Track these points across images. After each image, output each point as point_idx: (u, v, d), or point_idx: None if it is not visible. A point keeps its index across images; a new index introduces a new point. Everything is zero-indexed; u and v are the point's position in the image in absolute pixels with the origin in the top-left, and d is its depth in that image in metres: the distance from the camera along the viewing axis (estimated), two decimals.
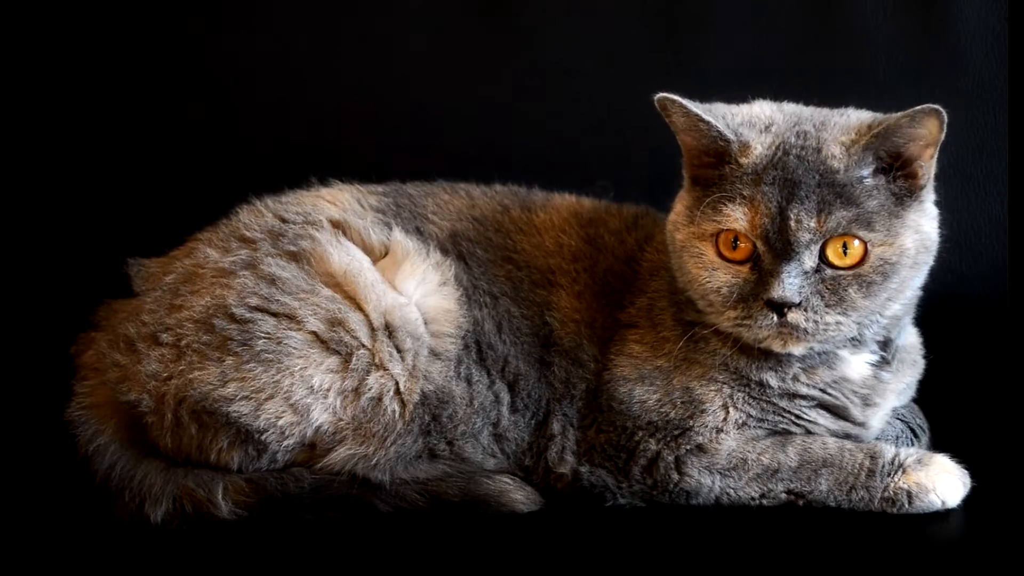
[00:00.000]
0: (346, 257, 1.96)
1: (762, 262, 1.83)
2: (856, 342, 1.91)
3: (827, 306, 1.82)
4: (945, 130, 1.82)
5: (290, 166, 2.38)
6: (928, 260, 1.89)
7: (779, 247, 1.81)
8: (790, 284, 1.80)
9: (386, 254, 2.02)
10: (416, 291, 1.99)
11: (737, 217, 1.83)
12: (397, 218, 2.08)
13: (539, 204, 2.14)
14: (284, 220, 2.03)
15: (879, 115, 1.89)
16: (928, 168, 1.85)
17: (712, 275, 1.86)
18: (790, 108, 1.95)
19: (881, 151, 1.83)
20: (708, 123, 1.85)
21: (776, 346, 1.86)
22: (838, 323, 1.83)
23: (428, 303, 1.99)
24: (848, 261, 1.81)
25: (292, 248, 1.97)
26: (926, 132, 1.81)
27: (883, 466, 1.89)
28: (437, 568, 1.81)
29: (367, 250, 2.01)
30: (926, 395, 2.12)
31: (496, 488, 1.95)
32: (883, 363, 1.96)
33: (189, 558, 1.83)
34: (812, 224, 1.79)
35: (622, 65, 2.73)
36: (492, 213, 2.11)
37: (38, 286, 2.72)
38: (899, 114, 1.81)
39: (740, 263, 1.85)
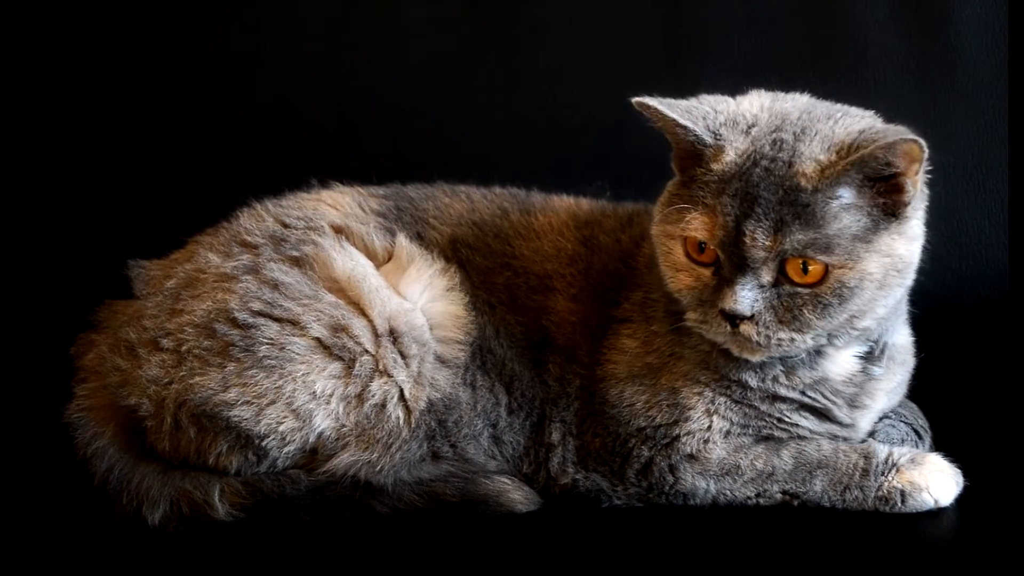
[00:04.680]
0: (350, 262, 1.96)
1: (723, 270, 1.81)
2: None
3: (780, 322, 1.79)
4: (927, 152, 1.75)
5: (289, 166, 2.38)
6: (902, 281, 1.84)
7: (735, 260, 1.79)
8: (743, 297, 1.78)
9: (389, 259, 2.02)
10: (422, 296, 1.99)
11: (697, 226, 1.81)
12: (398, 222, 2.08)
13: (538, 207, 2.13)
14: (286, 225, 2.02)
15: (868, 128, 1.82)
16: (914, 185, 1.79)
17: (677, 275, 1.87)
18: (782, 105, 1.90)
19: (862, 173, 1.77)
20: (685, 128, 1.83)
21: (734, 350, 1.86)
22: (792, 339, 1.80)
23: (434, 308, 1.99)
24: (807, 280, 1.77)
25: (295, 253, 1.96)
26: (906, 157, 1.75)
27: (877, 465, 1.89)
28: (436, 568, 1.81)
29: (370, 255, 2.01)
30: (926, 395, 2.12)
31: (495, 488, 1.96)
32: (871, 357, 1.93)
33: (186, 560, 1.84)
34: (767, 243, 1.76)
35: (621, 65, 2.73)
36: (491, 217, 2.11)
37: (38, 286, 2.72)
38: (876, 143, 1.73)
39: (705, 265, 1.84)
